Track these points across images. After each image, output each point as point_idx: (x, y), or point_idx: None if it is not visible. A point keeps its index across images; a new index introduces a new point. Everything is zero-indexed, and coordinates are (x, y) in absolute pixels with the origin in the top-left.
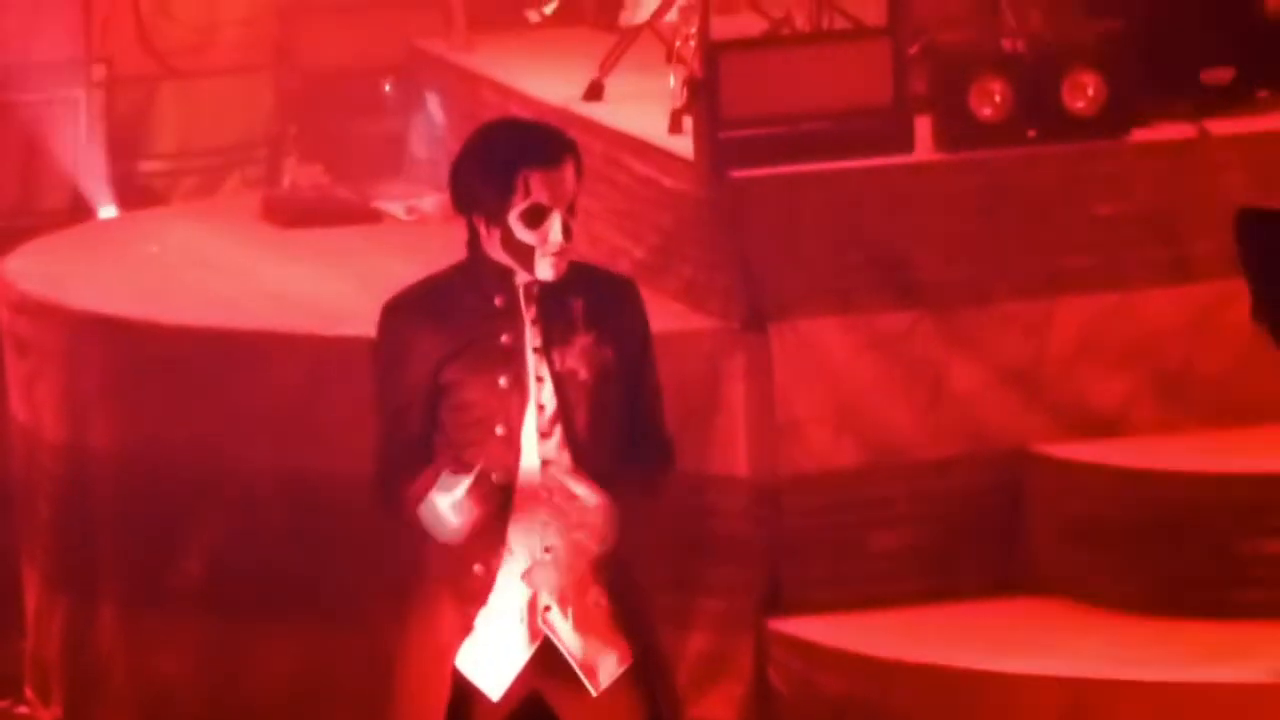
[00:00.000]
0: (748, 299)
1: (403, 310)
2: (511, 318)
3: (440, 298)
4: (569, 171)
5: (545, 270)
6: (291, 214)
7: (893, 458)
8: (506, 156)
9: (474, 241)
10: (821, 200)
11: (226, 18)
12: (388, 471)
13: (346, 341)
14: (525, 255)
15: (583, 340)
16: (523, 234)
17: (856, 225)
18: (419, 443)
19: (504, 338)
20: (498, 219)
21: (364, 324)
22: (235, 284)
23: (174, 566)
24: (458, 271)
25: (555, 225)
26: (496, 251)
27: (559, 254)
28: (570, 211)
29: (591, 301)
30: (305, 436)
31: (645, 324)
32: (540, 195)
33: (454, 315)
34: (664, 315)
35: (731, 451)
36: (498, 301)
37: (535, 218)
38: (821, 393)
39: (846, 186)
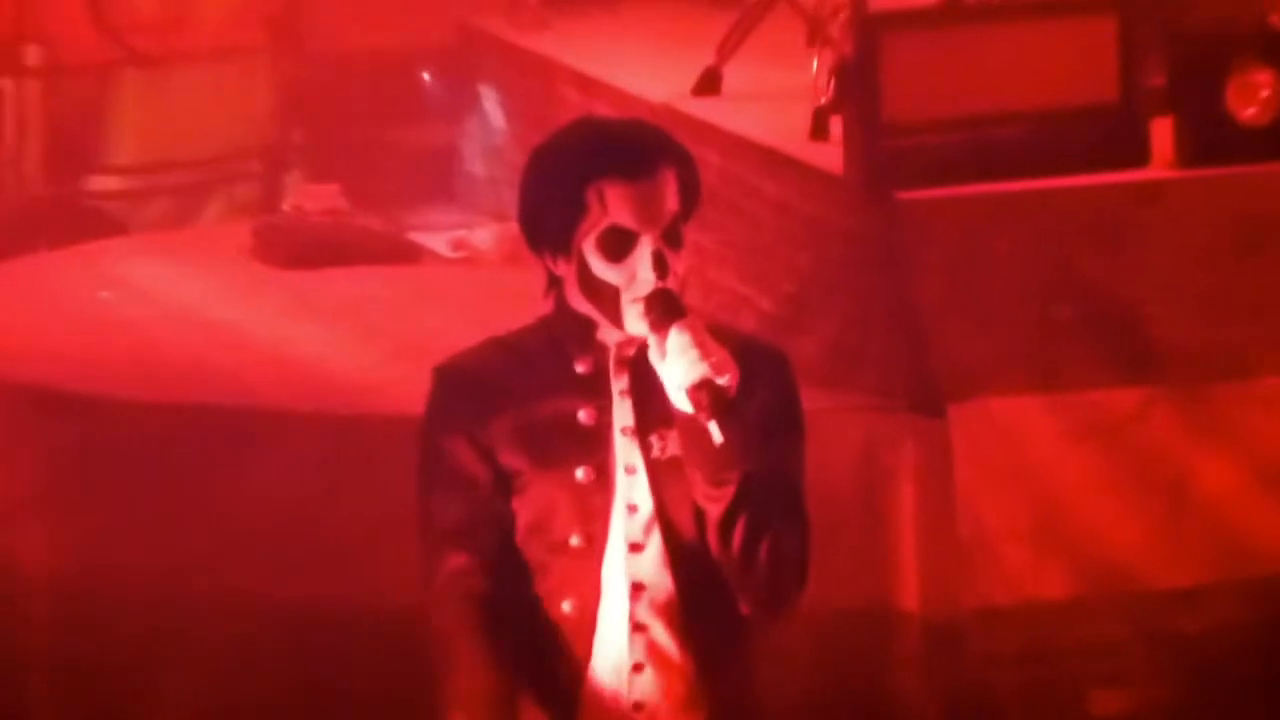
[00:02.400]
0: (918, 369)
1: (460, 378)
2: (596, 388)
3: (509, 362)
4: (666, 185)
5: (635, 321)
6: (295, 250)
7: (1118, 587)
8: (574, 161)
9: (553, 288)
10: (1020, 233)
11: None
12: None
13: (369, 423)
14: (607, 300)
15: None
16: (601, 269)
17: (1068, 268)
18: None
19: (582, 414)
20: (568, 249)
21: (394, 400)
22: (219, 345)
23: None
24: (537, 329)
25: (645, 256)
26: (577, 298)
27: (664, 301)
28: (670, 240)
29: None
30: (313, 554)
31: (792, 406)
32: (621, 214)
33: (522, 386)
34: (800, 390)
35: (897, 577)
36: (580, 367)
37: (616, 246)
38: (1019, 498)
39: (1055, 214)
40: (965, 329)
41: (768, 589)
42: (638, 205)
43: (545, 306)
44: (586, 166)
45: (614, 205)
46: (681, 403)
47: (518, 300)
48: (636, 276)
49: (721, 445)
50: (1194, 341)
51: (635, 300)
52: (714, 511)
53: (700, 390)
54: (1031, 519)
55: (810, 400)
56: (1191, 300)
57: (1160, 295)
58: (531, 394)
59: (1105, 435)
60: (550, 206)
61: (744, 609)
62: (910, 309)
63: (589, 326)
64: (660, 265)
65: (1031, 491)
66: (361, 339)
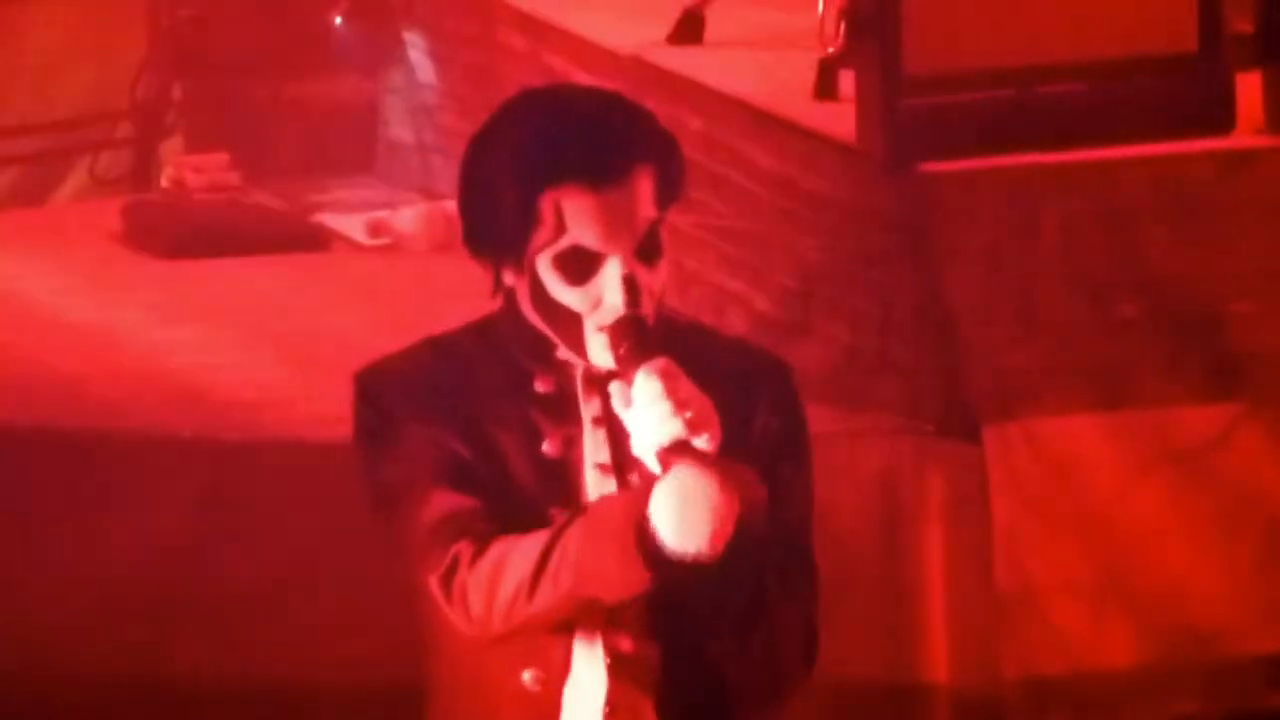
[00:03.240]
0: (949, 383)
1: (390, 385)
2: (561, 413)
3: (450, 370)
4: (641, 189)
5: (599, 352)
6: (174, 236)
7: (1197, 653)
8: (524, 162)
9: (500, 287)
10: (1075, 213)
11: None
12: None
13: (266, 449)
14: (567, 325)
15: None
16: (559, 290)
17: (1135, 255)
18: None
19: (547, 445)
20: (518, 261)
21: (296, 420)
22: (78, 355)
23: None
24: (480, 332)
25: (612, 280)
26: (527, 308)
27: (631, 331)
28: (645, 255)
29: (703, 383)
30: (200, 613)
31: (796, 435)
32: (583, 232)
33: (471, 399)
34: (807, 408)
35: (921, 641)
36: (541, 386)
37: (577, 268)
38: (1073, 542)
39: (1119, 190)
40: (1007, 333)
41: (765, 675)
42: (604, 220)
43: (489, 306)
44: (540, 170)
45: (574, 220)
46: (650, 463)
47: (450, 297)
48: (602, 302)
49: None
50: None
51: (601, 329)
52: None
53: (672, 454)
54: (1089, 569)
55: (816, 422)
56: None
57: (1248, 290)
58: (482, 410)
59: (1181, 464)
60: (495, 214)
61: (736, 703)
62: (939, 308)
63: (547, 344)
64: (631, 291)
65: (1089, 534)
66: (256, 345)
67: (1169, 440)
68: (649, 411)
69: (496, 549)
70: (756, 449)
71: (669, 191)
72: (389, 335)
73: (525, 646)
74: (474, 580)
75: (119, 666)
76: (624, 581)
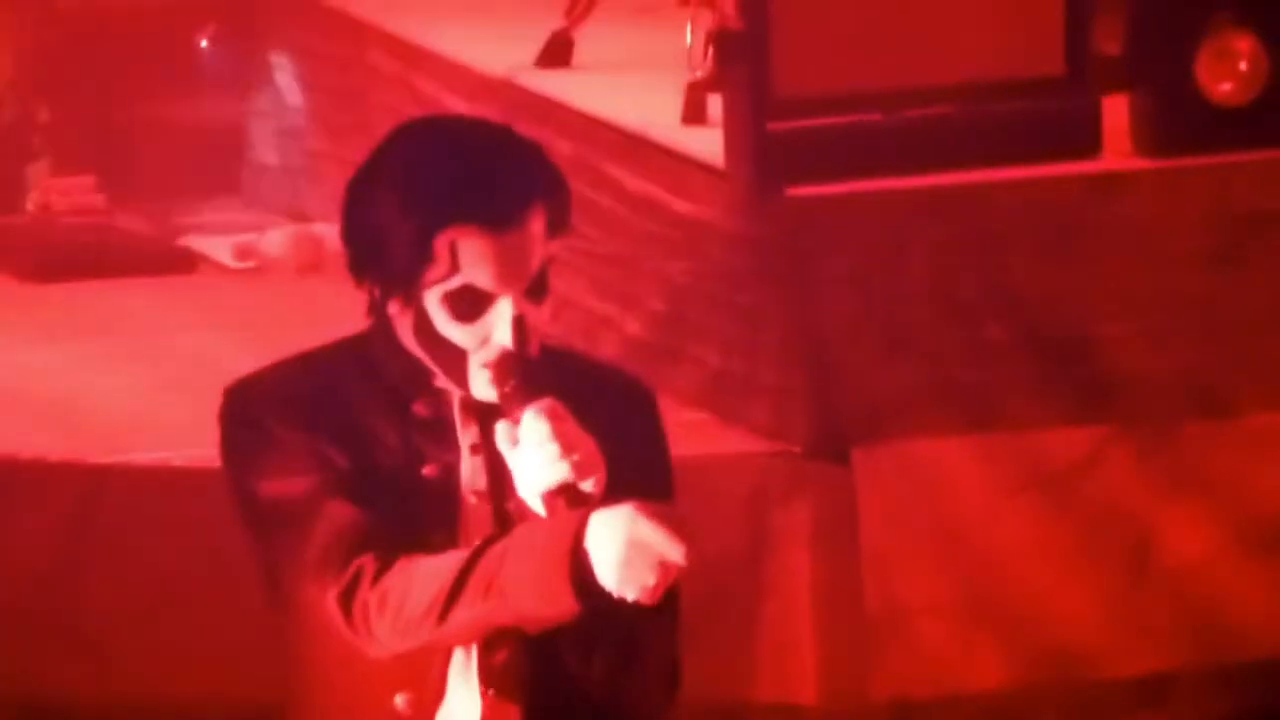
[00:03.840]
0: (817, 405)
1: (264, 399)
2: (439, 438)
3: (323, 386)
4: (534, 230)
5: (483, 387)
6: (41, 259)
7: (1064, 675)
8: (420, 200)
9: (378, 311)
10: (944, 237)
11: None
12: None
13: (135, 473)
14: (451, 359)
15: None
16: (446, 327)
17: (1004, 278)
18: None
19: (428, 469)
20: (408, 294)
21: (165, 442)
22: None
23: None
24: (348, 352)
25: (502, 320)
26: (408, 337)
27: (512, 364)
28: (534, 293)
29: (580, 413)
30: (68, 639)
31: (658, 464)
32: (477, 273)
33: (348, 415)
34: (674, 430)
35: (790, 665)
36: (420, 410)
37: (467, 306)
38: (942, 565)
39: (987, 213)
40: (876, 355)
41: (632, 702)
42: (500, 262)
43: (357, 328)
44: (438, 208)
45: (469, 261)
46: (534, 504)
47: (317, 320)
48: (490, 339)
49: None
50: (1158, 370)
51: (485, 366)
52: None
53: (558, 496)
54: (957, 591)
55: (685, 444)
56: (1154, 320)
57: (1116, 314)
58: (360, 427)
59: (1049, 486)
60: (386, 247)
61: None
62: (808, 331)
63: (425, 373)
64: (520, 332)
65: (957, 557)
66: (124, 368)
67: (1037, 463)
68: (536, 453)
69: (403, 566)
70: (632, 476)
71: (558, 226)
72: (256, 357)
73: (400, 669)
74: (377, 597)
75: None
76: (552, 610)
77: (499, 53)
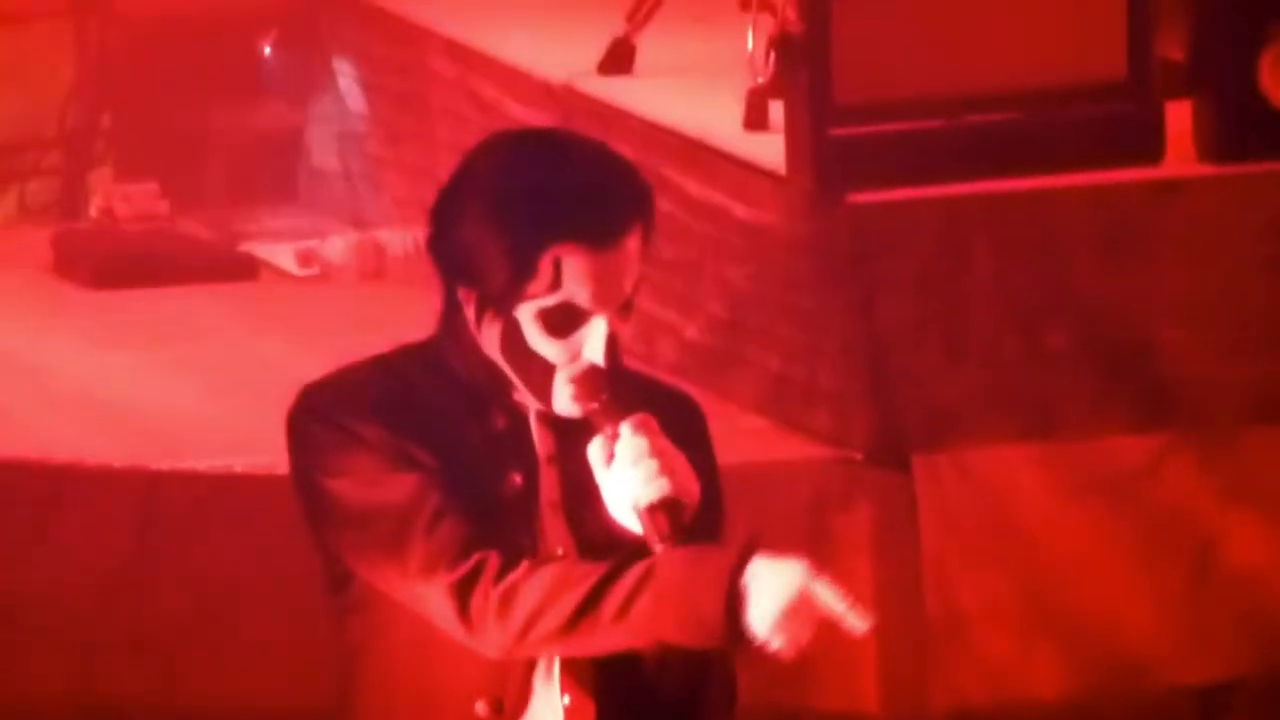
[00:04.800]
0: (878, 411)
1: (340, 397)
2: (518, 448)
3: (400, 389)
4: (632, 250)
5: (565, 402)
6: (104, 265)
7: (1126, 683)
8: (529, 217)
9: (454, 318)
10: (1005, 243)
11: None
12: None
13: (197, 480)
14: (536, 374)
15: None
16: (537, 340)
17: (1065, 284)
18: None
19: (515, 477)
20: (501, 307)
21: (227, 449)
22: (8, 384)
23: None
24: (420, 358)
25: (595, 336)
26: (493, 348)
27: (602, 380)
28: (624, 312)
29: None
30: (128, 645)
31: (711, 474)
32: (578, 290)
33: (427, 418)
34: (734, 436)
35: (850, 672)
36: (500, 422)
37: (563, 321)
38: (1003, 572)
39: (1049, 220)
40: (937, 362)
41: (691, 710)
42: (601, 281)
43: (418, 335)
44: (545, 226)
45: (572, 279)
46: (628, 520)
47: (380, 326)
48: (580, 355)
49: None
50: (1219, 377)
51: (571, 381)
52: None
53: (658, 512)
54: (1018, 598)
55: (746, 450)
56: (1216, 326)
57: (1178, 320)
58: (442, 432)
59: (1110, 493)
60: (485, 262)
61: None
62: (869, 337)
63: (505, 385)
64: (612, 350)
65: (1018, 564)
66: (186, 375)
67: (1098, 469)
68: (633, 469)
69: (529, 570)
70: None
71: (648, 245)
72: (319, 364)
73: (480, 675)
74: (501, 595)
75: (50, 692)
76: (695, 640)
77: (560, 58)
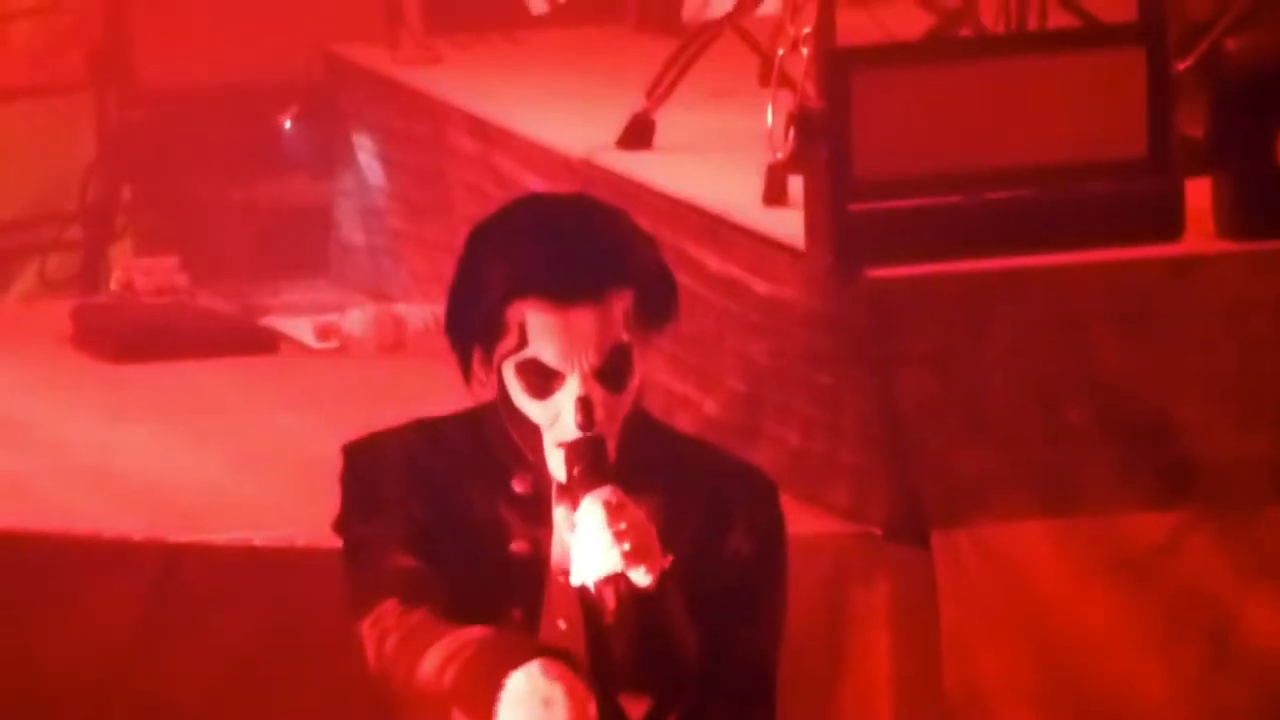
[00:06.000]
0: (898, 487)
1: (375, 458)
2: (534, 515)
3: (432, 454)
4: (610, 313)
5: (557, 467)
6: (124, 338)
7: None
8: (499, 268)
9: (470, 380)
10: (1024, 319)
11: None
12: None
13: (216, 553)
14: (529, 435)
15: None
16: (522, 401)
17: (1083, 361)
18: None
19: (515, 545)
20: (489, 363)
21: (247, 522)
22: (28, 456)
23: None
24: (464, 423)
25: (568, 402)
26: (501, 419)
27: (587, 452)
28: (610, 377)
29: (677, 501)
30: (136, 713)
31: (772, 558)
32: (540, 347)
33: (450, 485)
34: None
35: None
36: (518, 486)
37: (537, 381)
38: (1021, 649)
39: (1067, 296)
40: (956, 437)
41: None
42: (564, 339)
43: (437, 409)
44: (510, 279)
45: (535, 335)
46: (591, 590)
47: (399, 399)
48: (559, 418)
49: (638, 655)
50: (1239, 454)
51: (559, 445)
52: (635, 713)
53: (608, 585)
54: (1037, 674)
55: None
56: (1236, 404)
57: (1197, 397)
58: (458, 498)
59: (1129, 570)
60: (470, 312)
61: None
62: (888, 412)
63: (520, 450)
64: (585, 413)
65: (1037, 640)
66: (206, 447)
67: (1117, 547)
68: (590, 540)
69: (421, 617)
70: (725, 568)
71: (652, 315)
72: (337, 436)
73: None
74: (379, 631)
75: None
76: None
77: (580, 133)
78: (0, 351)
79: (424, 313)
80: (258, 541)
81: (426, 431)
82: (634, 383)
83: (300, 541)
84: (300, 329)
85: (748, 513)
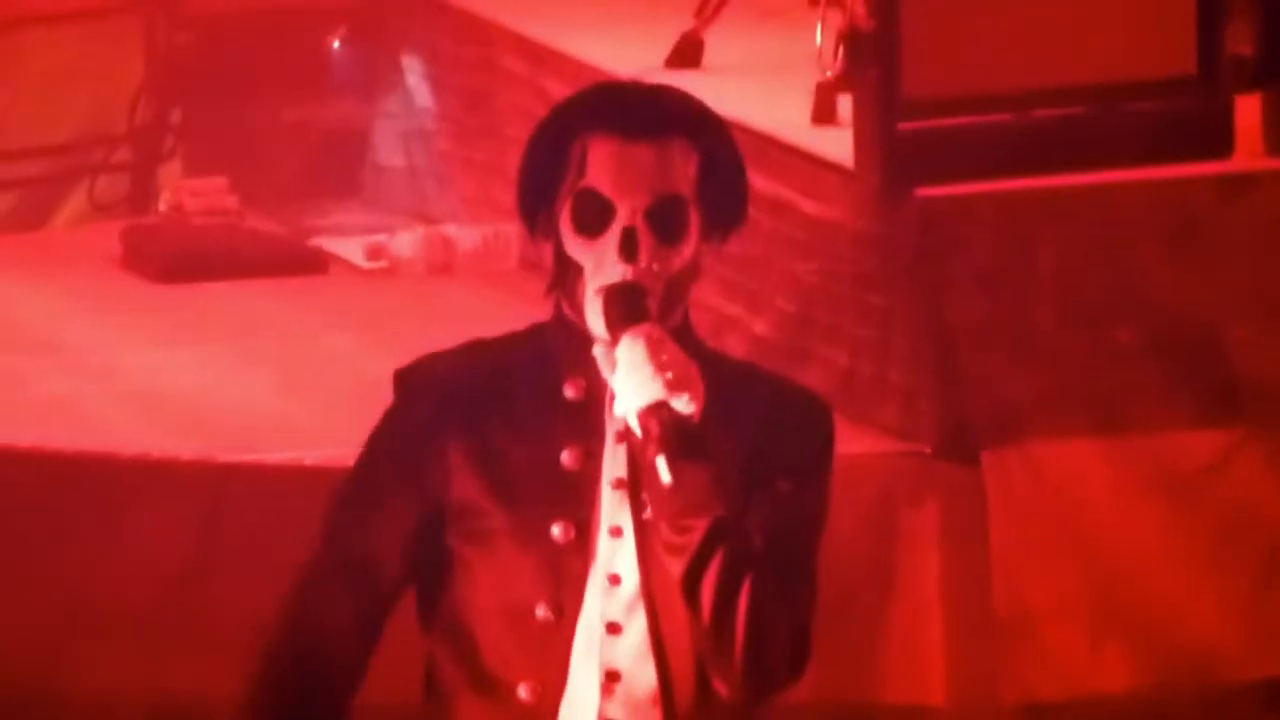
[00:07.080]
0: (947, 406)
1: (424, 382)
2: (585, 423)
3: (488, 373)
4: (672, 155)
5: (595, 319)
6: (173, 260)
7: (1194, 678)
8: (565, 113)
9: (553, 288)
10: (1073, 238)
11: None
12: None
13: (266, 473)
14: (572, 287)
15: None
16: (571, 244)
17: (1133, 280)
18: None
19: (566, 455)
20: (549, 221)
21: (296, 442)
22: (78, 379)
23: None
24: (528, 337)
25: (615, 242)
26: (556, 281)
27: (624, 295)
28: (657, 223)
29: (733, 414)
30: (198, 637)
31: (819, 461)
32: (598, 175)
33: (500, 405)
34: None
35: (919, 666)
36: (570, 391)
37: (588, 216)
38: (1071, 567)
39: (1116, 215)
40: (1005, 357)
41: (745, 664)
42: (620, 167)
43: (484, 330)
44: (576, 118)
45: (595, 163)
46: (633, 424)
47: (448, 320)
48: (604, 262)
49: (682, 483)
50: None
51: (597, 293)
52: (675, 567)
53: (650, 416)
54: (1086, 594)
55: None
56: None
57: (1246, 315)
58: (509, 417)
59: (1178, 489)
60: (533, 167)
61: (720, 691)
62: (937, 332)
63: (581, 337)
64: (629, 247)
65: (1086, 559)
66: (256, 368)
67: (1166, 465)
68: (632, 375)
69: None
70: (769, 461)
71: (714, 183)
72: (387, 358)
73: (521, 658)
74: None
75: (116, 686)
76: None
77: (628, 54)
78: (50, 274)
79: (473, 234)
80: (308, 461)
81: (479, 351)
82: (686, 247)
83: (350, 461)
84: (349, 250)
85: (801, 423)
